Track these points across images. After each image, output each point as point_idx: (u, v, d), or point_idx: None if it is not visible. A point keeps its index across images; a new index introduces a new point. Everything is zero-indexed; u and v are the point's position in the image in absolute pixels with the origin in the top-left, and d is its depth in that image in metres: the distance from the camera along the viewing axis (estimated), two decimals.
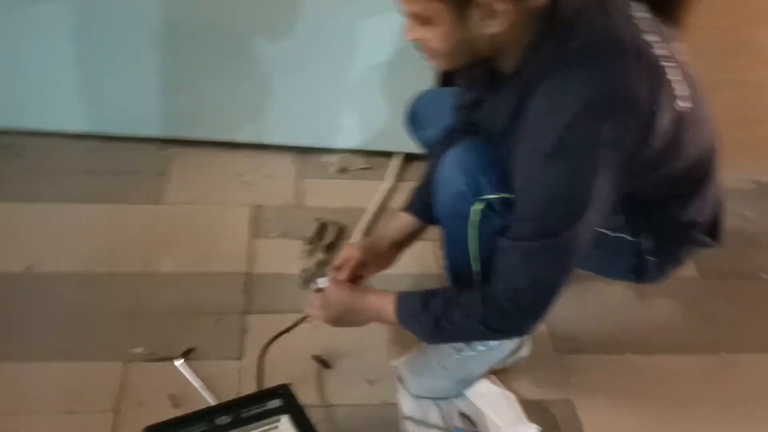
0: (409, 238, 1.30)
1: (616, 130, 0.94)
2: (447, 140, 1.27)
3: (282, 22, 1.62)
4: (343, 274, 1.25)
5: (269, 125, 1.79)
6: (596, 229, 1.06)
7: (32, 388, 1.22)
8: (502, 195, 1.07)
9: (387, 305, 1.16)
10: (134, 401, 1.22)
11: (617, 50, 0.95)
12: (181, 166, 1.74)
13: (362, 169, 1.83)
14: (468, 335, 1.18)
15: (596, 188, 0.97)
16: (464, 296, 1.10)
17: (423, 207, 1.27)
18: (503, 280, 1.06)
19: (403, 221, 1.29)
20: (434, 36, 0.98)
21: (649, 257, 1.23)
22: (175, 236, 1.56)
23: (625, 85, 0.94)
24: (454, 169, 1.10)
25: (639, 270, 1.25)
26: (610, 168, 0.97)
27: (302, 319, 1.29)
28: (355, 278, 1.26)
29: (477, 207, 1.09)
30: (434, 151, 1.31)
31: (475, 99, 1.18)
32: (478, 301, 1.08)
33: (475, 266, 1.16)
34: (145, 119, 1.74)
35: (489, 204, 1.08)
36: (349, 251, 1.27)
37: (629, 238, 1.21)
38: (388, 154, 1.85)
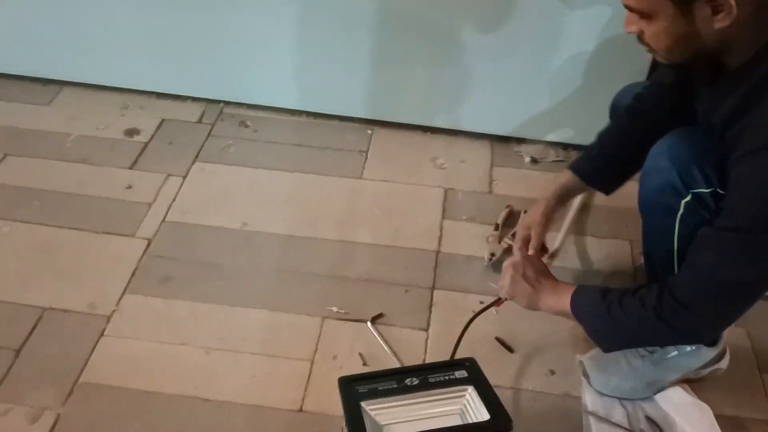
0: (571, 195, 1.37)
1: None
2: (633, 107, 1.27)
3: (487, 13, 1.65)
4: (536, 242, 1.28)
5: (466, 112, 1.83)
6: None
7: (241, 330, 1.36)
8: (714, 189, 1.01)
9: (566, 291, 1.15)
10: (328, 354, 1.32)
11: None
12: (382, 146, 1.83)
13: (555, 161, 1.81)
14: (639, 329, 1.06)
15: None
16: (645, 287, 1.05)
17: (588, 169, 1.31)
18: (693, 270, 0.99)
19: (568, 179, 1.33)
20: (656, 30, 0.95)
21: None
22: (372, 210, 1.65)
23: None
24: (665, 158, 1.05)
25: None
26: None
27: (497, 301, 1.30)
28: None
29: (686, 200, 1.04)
30: (616, 116, 1.31)
31: (680, 79, 1.15)
32: (655, 290, 1.02)
33: (676, 262, 1.11)
34: (352, 101, 1.86)
35: (698, 197, 1.03)
36: (532, 218, 1.31)
37: None
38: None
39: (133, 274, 1.45)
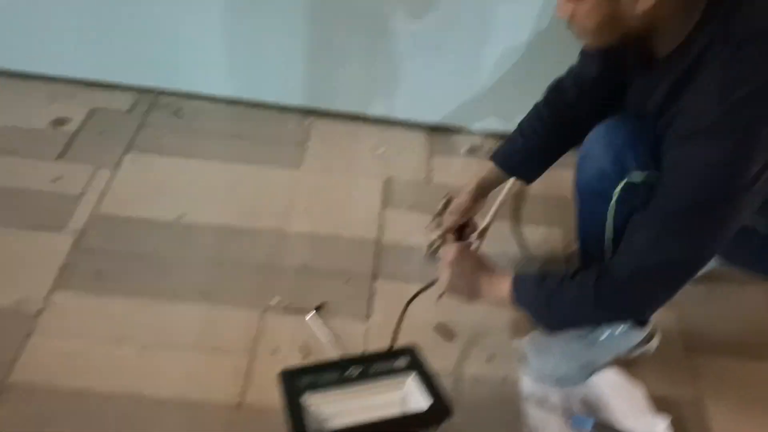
0: (492, 186, 1.39)
1: None
2: (553, 96, 1.28)
3: (421, 3, 1.65)
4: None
5: (403, 102, 1.83)
6: (747, 216, 1.01)
7: (176, 325, 1.32)
8: (648, 174, 1.04)
9: (504, 280, 1.18)
10: (269, 347, 1.30)
11: None
12: (319, 136, 1.82)
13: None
14: (578, 315, 1.13)
15: (754, 171, 0.93)
16: (582, 272, 1.09)
17: (510, 161, 1.33)
18: (629, 253, 1.03)
19: (489, 171, 1.36)
20: (583, 11, 0.96)
21: None
22: (311, 200, 1.63)
23: None
24: (600, 145, 1.08)
25: None
26: None
27: (433, 283, 1.31)
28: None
29: (620, 187, 1.07)
30: (536, 108, 1.32)
31: (604, 72, 1.18)
32: (593, 275, 1.05)
33: (609, 247, 1.14)
34: (289, 90, 1.83)
35: (632, 184, 1.05)
36: (459, 206, 1.39)
37: None
38: None
39: (63, 269, 1.40)
